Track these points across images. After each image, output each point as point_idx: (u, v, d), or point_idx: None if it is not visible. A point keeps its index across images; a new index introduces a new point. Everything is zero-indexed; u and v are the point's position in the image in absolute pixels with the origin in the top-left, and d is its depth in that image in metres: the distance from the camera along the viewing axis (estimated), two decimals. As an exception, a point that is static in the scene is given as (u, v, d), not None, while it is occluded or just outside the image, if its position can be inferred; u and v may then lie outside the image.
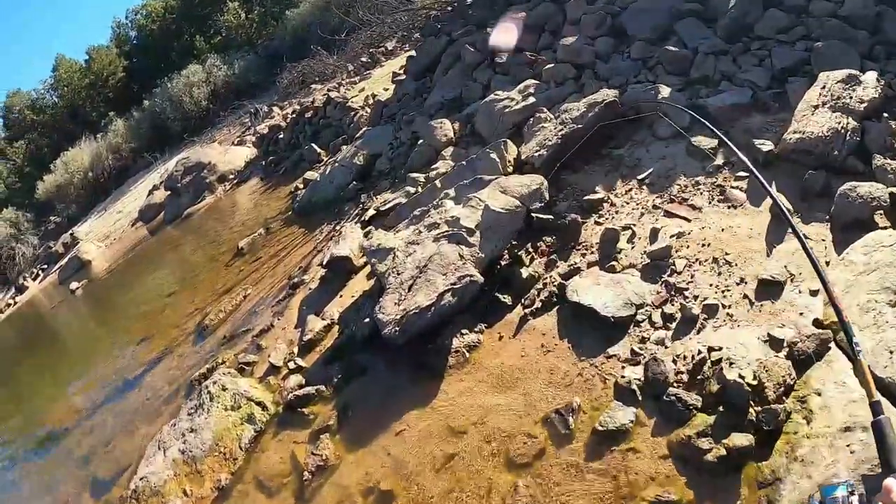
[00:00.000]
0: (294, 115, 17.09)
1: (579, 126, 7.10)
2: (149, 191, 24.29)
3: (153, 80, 34.94)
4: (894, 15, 7.24)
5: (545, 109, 7.90)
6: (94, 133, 35.60)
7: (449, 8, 13.04)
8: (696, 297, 5.06)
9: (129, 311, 14.88)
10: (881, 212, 5.02)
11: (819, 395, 3.93)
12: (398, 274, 6.29)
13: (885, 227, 4.92)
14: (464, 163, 7.67)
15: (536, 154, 7.09)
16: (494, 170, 7.19)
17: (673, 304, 5.09)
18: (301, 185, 12.83)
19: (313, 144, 14.19)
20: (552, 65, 9.12)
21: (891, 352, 3.84)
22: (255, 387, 7.10)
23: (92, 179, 32.28)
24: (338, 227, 9.83)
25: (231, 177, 19.12)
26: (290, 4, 30.52)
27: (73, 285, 20.67)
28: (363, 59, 19.04)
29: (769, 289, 4.82)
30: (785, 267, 4.91)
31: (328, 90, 17.61)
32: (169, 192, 21.41)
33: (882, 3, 7.43)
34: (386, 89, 14.42)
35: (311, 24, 25.36)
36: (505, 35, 10.31)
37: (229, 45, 35.34)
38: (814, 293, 4.64)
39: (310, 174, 12.84)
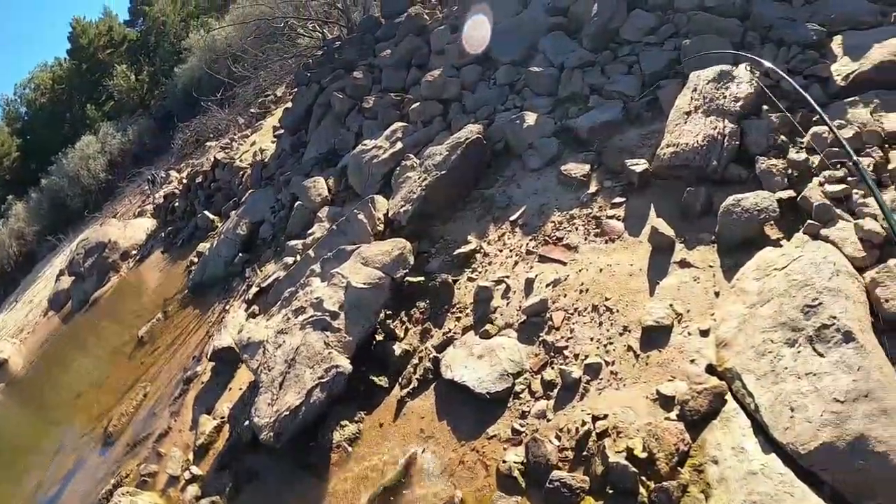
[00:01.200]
0: (186, 182, 16.36)
1: (443, 172, 6.73)
2: (56, 276, 23.18)
3: (49, 156, 33.42)
4: None
5: (411, 156, 7.52)
6: (-7, 221, 33.85)
7: (319, 53, 12.58)
8: (576, 357, 4.70)
9: (45, 416, 14.38)
10: (771, 223, 4.71)
11: (716, 463, 3.56)
12: (269, 370, 5.79)
13: (778, 240, 4.62)
14: (335, 227, 7.22)
15: (402, 210, 6.69)
16: (363, 232, 6.76)
17: (552, 368, 4.72)
18: (195, 259, 12.21)
19: (206, 212, 13.54)
20: (418, 104, 8.75)
21: (792, 409, 3.42)
22: (157, 502, 6.72)
23: (-1, 270, 30.65)
24: (227, 307, 9.31)
25: (133, 252, 18.24)
26: (179, 61, 29.61)
27: (-8, 389, 19.48)
28: (253, 111, 18.43)
29: (655, 335, 4.47)
30: (671, 306, 4.57)
31: (220, 148, 16.94)
32: (74, 278, 20.37)
33: None
34: (273, 141, 13.90)
35: (200, 79, 24.60)
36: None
37: (122, 109, 34.14)
38: (704, 333, 4.30)
39: (202, 246, 12.21)
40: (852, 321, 3.53)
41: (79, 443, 10.30)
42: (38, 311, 23.93)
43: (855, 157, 4.26)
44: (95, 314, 17.76)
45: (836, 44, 6.05)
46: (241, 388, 7.15)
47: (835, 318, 3.58)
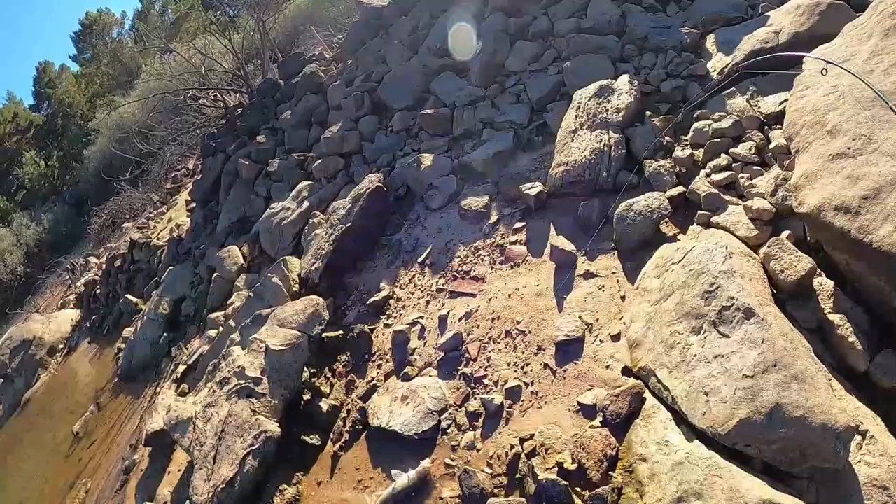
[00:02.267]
0: (106, 266, 15.99)
1: (348, 225, 6.91)
2: (-16, 380, 22.07)
3: (-36, 255, 31.97)
4: (637, 10, 7.50)
5: (318, 213, 7.69)
6: None
7: (223, 121, 12.68)
8: (496, 383, 4.86)
9: None
10: (665, 220, 5.01)
11: (644, 460, 3.67)
12: (201, 446, 5.77)
13: (675, 235, 4.91)
14: (251, 293, 7.27)
15: (313, 268, 6.82)
16: (279, 295, 6.85)
17: (475, 399, 4.87)
18: (122, 346, 11.94)
19: (128, 295, 13.26)
20: (320, 160, 8.94)
21: (706, 394, 3.55)
22: None
23: (-80, 381, 28.87)
24: (157, 390, 9.15)
25: (61, 346, 17.62)
26: (88, 142, 29.03)
27: (-70, 508, 18.25)
28: (167, 186, 18.25)
29: (569, 349, 4.68)
30: (580, 318, 4.80)
31: (136, 228, 16.67)
32: (2, 380, 19.49)
33: (625, 1, 7.65)
34: (188, 215, 13.81)
35: (111, 159, 24.17)
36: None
37: (35, 197, 33.10)
38: (615, 338, 4.53)
39: (127, 331, 11.95)
40: (750, 297, 3.71)
41: (25, 556, 9.99)
42: (-31, 417, 22.74)
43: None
44: (28, 415, 17.04)
45: (710, 42, 6.52)
46: (179, 470, 7.00)
47: (733, 298, 3.75)
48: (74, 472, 10.44)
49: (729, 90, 5.74)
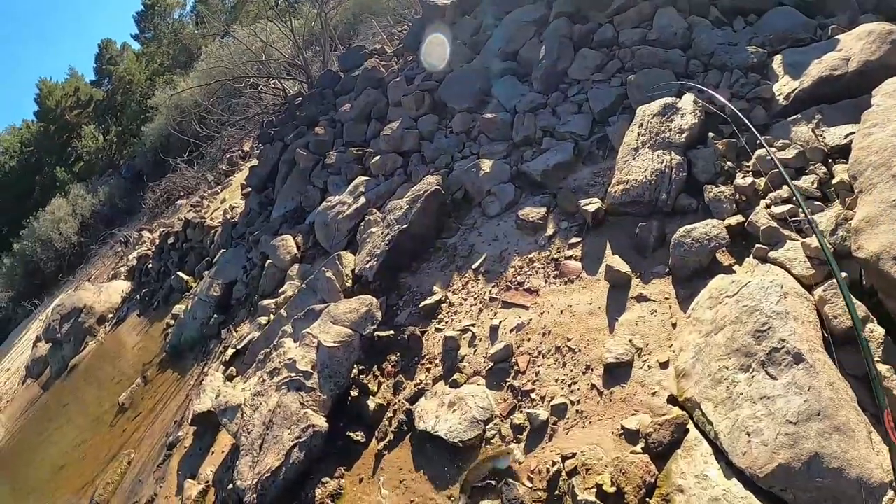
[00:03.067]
0: (159, 242, 16.44)
1: (404, 226, 6.97)
2: (33, 342, 22.93)
3: (20, 220, 33.17)
4: (704, 23, 7.37)
5: (375, 210, 7.77)
6: (-33, 288, 33.37)
7: (281, 109, 12.88)
8: (543, 399, 4.89)
9: (28, 491, 14.09)
10: (722, 250, 4.93)
11: (682, 491, 3.70)
12: (248, 433, 5.93)
13: (730, 266, 4.84)
14: (304, 285, 7.41)
15: (368, 266, 6.91)
16: (332, 289, 6.96)
17: (521, 412, 4.90)
18: (171, 322, 12.28)
19: (180, 273, 13.62)
20: (378, 157, 9.02)
21: (748, 434, 3.56)
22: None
23: (-27, 338, 30.13)
24: (205, 370, 9.39)
25: (110, 316, 18.16)
26: (146, 119, 29.79)
27: (-28, 461, 19.10)
28: (221, 167, 18.64)
29: (617, 371, 4.67)
30: (630, 342, 4.78)
31: (190, 206, 17.08)
32: (51, 345, 20.18)
33: (692, 13, 7.54)
34: (242, 198, 14.09)
35: (168, 136, 24.78)
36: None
37: (92, 170, 34.14)
38: (663, 365, 4.51)
39: (177, 308, 12.28)
40: (801, 342, 3.69)
41: (65, 516, 10.29)
42: (16, 378, 23.60)
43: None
44: (75, 381, 17.57)
45: (777, 63, 6.37)
46: (223, 451, 7.19)
47: (784, 340, 3.73)
48: (118, 443, 10.74)
49: (794, 116, 5.62)
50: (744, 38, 6.96)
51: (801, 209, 4.74)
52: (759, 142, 5.48)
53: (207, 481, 7.03)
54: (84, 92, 40.61)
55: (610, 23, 8.20)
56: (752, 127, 5.18)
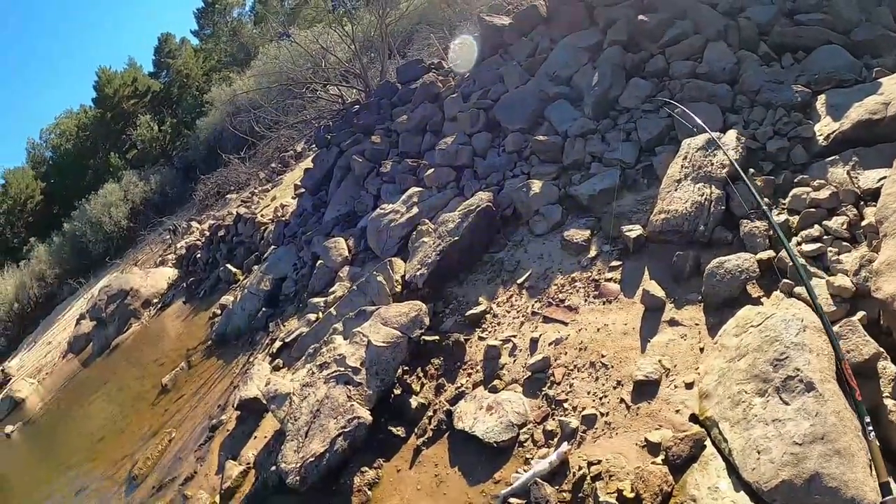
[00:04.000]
0: (209, 234, 17.06)
1: (455, 238, 7.33)
2: (76, 319, 23.70)
3: (72, 201, 34.43)
4: (753, 59, 7.54)
5: (426, 221, 8.12)
6: (16, 261, 34.67)
7: (338, 115, 13.36)
8: (574, 409, 5.20)
9: (64, 459, 14.47)
10: (752, 282, 5.18)
11: (694, 501, 4.02)
12: (295, 420, 6.32)
13: (758, 298, 5.09)
14: (355, 287, 7.81)
15: (418, 273, 7.28)
16: (382, 293, 7.35)
17: (553, 419, 5.22)
18: (218, 311, 12.77)
19: (228, 265, 14.16)
20: (432, 170, 9.39)
21: (758, 452, 3.86)
22: (184, 542, 6.95)
23: (18, 310, 31.23)
24: (251, 360, 9.81)
25: (155, 301, 18.81)
26: (201, 113, 30.79)
27: (9, 429, 19.77)
28: (273, 165, 19.23)
29: (645, 388, 4.96)
30: (659, 362, 5.06)
31: (241, 202, 17.71)
32: (95, 323, 20.90)
33: (741, 47, 7.71)
34: (294, 197, 14.57)
35: (222, 131, 25.59)
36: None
37: (145, 158, 35.29)
38: (688, 386, 4.79)
39: (225, 299, 12.79)
40: (814, 372, 3.95)
41: (102, 484, 10.57)
42: (56, 352, 24.36)
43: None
44: (116, 360, 18.09)
45: (821, 103, 6.48)
46: (265, 437, 7.56)
47: (799, 369, 4.00)
48: (160, 421, 11.11)
49: (832, 157, 5.80)
50: (790, 76, 7.10)
51: (829, 248, 4.98)
52: (796, 180, 5.76)
53: (248, 463, 7.39)
54: (142, 82, 41.96)
55: (661, 54, 8.40)
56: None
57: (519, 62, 10.23)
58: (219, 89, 29.93)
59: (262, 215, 15.02)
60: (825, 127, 6.18)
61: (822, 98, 6.56)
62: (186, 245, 18.79)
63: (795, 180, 5.82)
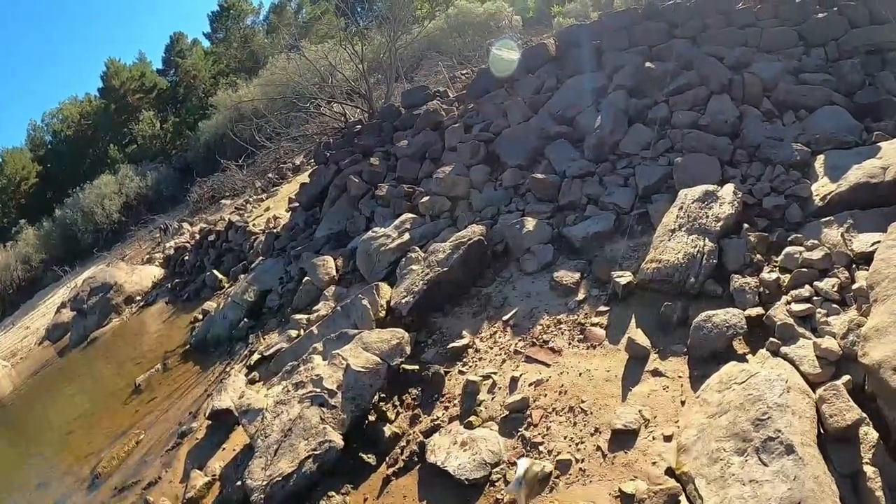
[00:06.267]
0: (199, 237, 16.99)
1: (444, 269, 7.34)
2: (57, 308, 23.46)
3: (67, 188, 34.21)
4: (755, 114, 7.70)
5: (417, 248, 8.14)
6: (3, 241, 34.32)
7: (339, 133, 13.42)
8: (550, 452, 5.16)
9: (30, 449, 14.23)
10: (739, 338, 5.21)
11: None
12: (266, 437, 6.25)
13: (744, 354, 5.11)
14: (340, 308, 7.79)
15: (404, 301, 7.27)
16: (366, 317, 7.33)
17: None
18: (200, 316, 12.66)
19: (215, 271, 14.10)
20: (428, 197, 9.42)
21: None
22: (141, 550, 6.78)
23: (0, 290, 30.92)
24: (228, 369, 9.72)
25: (138, 298, 18.65)
26: (204, 116, 30.85)
27: (-24, 407, 19.45)
28: (270, 176, 19.25)
29: (623, 438, 4.94)
30: (640, 412, 5.05)
31: (234, 209, 17.69)
32: (75, 313, 20.68)
33: (745, 102, 7.88)
34: (288, 210, 14.56)
35: (223, 136, 25.63)
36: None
37: (144, 154, 35.24)
38: (667, 438, 4.77)
39: (208, 304, 12.70)
40: (795, 435, 3.95)
41: (65, 480, 10.38)
42: (33, 338, 24.05)
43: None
44: (93, 353, 17.83)
45: (819, 163, 6.61)
46: (234, 450, 7.43)
47: (780, 431, 3.99)
48: (129, 421, 10.92)
49: (827, 218, 5.88)
50: (791, 133, 7.24)
51: (818, 310, 5.03)
52: (789, 239, 5.82)
53: (214, 475, 7.25)
54: (149, 78, 42.10)
55: (665, 102, 8.55)
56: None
57: (524, 98, 10.34)
58: (224, 94, 30.05)
59: (254, 224, 14.99)
60: (823, 187, 6.27)
61: (821, 158, 6.67)
62: (175, 246, 18.69)
63: (789, 239, 5.88)
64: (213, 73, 39.06)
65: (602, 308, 6.37)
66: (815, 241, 5.69)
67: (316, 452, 5.78)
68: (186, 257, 16.98)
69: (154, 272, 19.42)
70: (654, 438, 4.84)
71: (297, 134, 16.75)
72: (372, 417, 6.26)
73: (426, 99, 12.42)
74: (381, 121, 12.74)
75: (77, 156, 39.31)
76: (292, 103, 18.14)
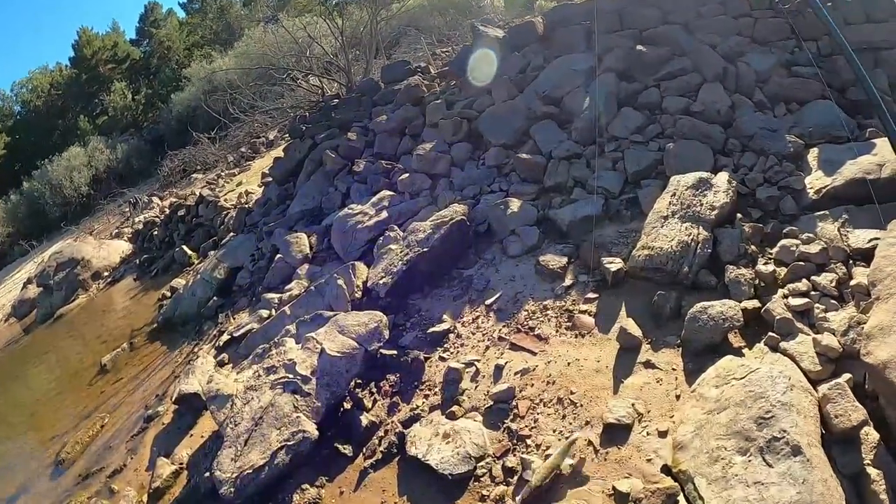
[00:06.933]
0: (169, 212, 16.50)
1: (425, 250, 7.02)
2: (23, 283, 22.86)
3: (35, 160, 33.28)
4: (748, 105, 7.52)
5: (396, 227, 7.80)
6: (-31, 214, 33.37)
7: (316, 107, 12.98)
8: (538, 446, 4.89)
9: None
10: (735, 331, 5.00)
11: None
12: (235, 425, 5.91)
13: (740, 348, 4.92)
14: (313, 287, 7.45)
15: (382, 282, 6.95)
16: (341, 297, 6.99)
17: (514, 455, 4.90)
18: (168, 293, 12.26)
19: (184, 246, 13.66)
20: (407, 174, 9.08)
21: None
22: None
23: (-35, 266, 30.06)
24: (196, 350, 9.35)
25: (105, 274, 18.15)
26: (177, 88, 30.05)
27: (-63, 383, 18.91)
28: (243, 150, 18.73)
29: (616, 432, 4.70)
30: (632, 405, 4.81)
31: (206, 183, 17.18)
32: (41, 289, 20.13)
33: (737, 91, 7.68)
34: (260, 185, 14.14)
35: (196, 109, 24.97)
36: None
37: (114, 126, 34.33)
38: (662, 434, 4.54)
39: (177, 281, 12.28)
40: (801, 435, 3.76)
41: (28, 465, 10.11)
42: (0, 314, 23.50)
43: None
44: (59, 331, 17.41)
45: (812, 156, 6.50)
46: (203, 436, 7.12)
47: (785, 431, 3.80)
48: (94, 403, 10.59)
49: (822, 212, 5.75)
50: (784, 125, 7.10)
51: (816, 305, 4.89)
52: (785, 231, 5.67)
53: (181, 463, 6.96)
54: (122, 48, 41.02)
55: (656, 87, 8.31)
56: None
57: (509, 77, 10.00)
58: (199, 66, 29.27)
59: (225, 199, 14.52)
60: (817, 181, 6.13)
61: (814, 151, 6.55)
62: (145, 220, 18.19)
63: (784, 231, 5.72)
64: (188, 45, 38.15)
65: (590, 295, 6.11)
66: (811, 235, 5.54)
67: (289, 443, 5.45)
68: (155, 232, 16.50)
69: (122, 247, 18.92)
70: (648, 434, 4.61)
71: (271, 107, 16.24)
72: (347, 405, 5.96)
73: (407, 74, 12.03)
74: (359, 95, 12.33)
75: (46, 127, 38.24)
76: (268, 76, 17.68)
